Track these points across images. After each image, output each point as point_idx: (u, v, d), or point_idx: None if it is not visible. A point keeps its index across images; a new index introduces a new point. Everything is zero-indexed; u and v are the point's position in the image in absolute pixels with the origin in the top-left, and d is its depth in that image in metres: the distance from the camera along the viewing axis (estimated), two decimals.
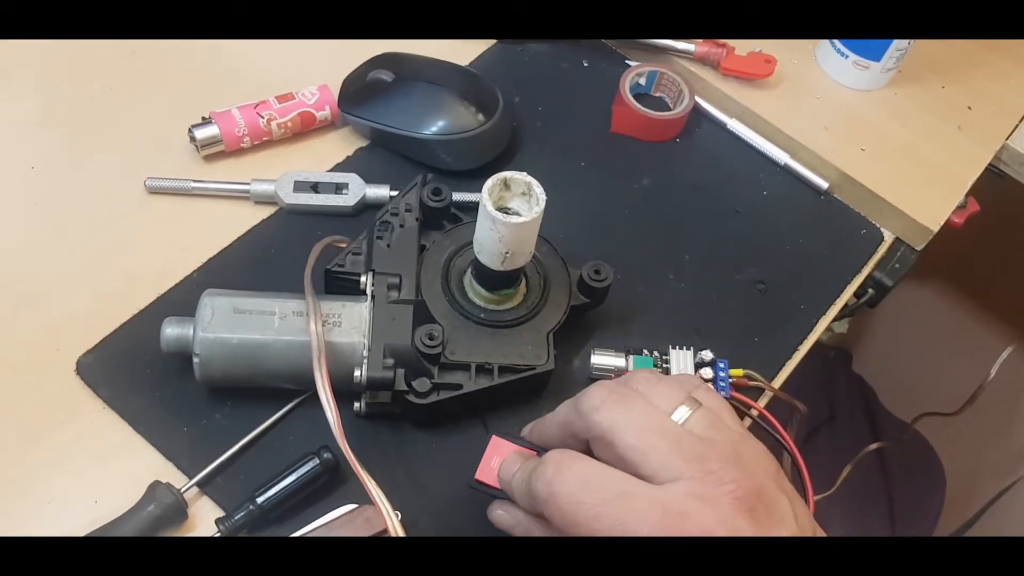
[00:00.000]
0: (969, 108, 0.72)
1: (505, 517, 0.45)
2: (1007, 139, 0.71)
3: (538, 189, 0.47)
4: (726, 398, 0.53)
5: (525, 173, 0.47)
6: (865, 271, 0.64)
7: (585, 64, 0.71)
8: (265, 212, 0.59)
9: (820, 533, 0.41)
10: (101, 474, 0.49)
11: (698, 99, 0.69)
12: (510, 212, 0.47)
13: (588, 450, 0.41)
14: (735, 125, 0.68)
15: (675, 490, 0.37)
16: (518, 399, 0.53)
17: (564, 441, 0.43)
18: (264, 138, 0.61)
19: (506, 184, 0.47)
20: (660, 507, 0.37)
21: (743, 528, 0.37)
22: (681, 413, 0.40)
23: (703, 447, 0.38)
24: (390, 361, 0.48)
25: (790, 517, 0.38)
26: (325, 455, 0.48)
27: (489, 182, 0.47)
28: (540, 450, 0.45)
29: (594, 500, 0.38)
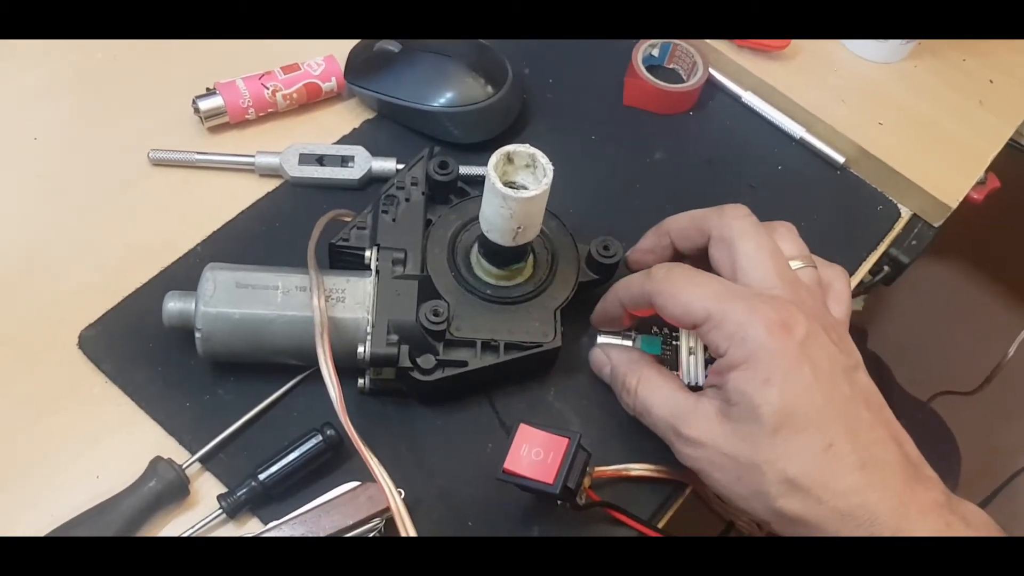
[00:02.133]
0: (991, 82, 0.70)
1: (600, 355, 0.51)
2: None
3: (545, 162, 0.46)
4: None
5: (531, 145, 0.46)
6: (881, 248, 0.63)
7: None
8: (270, 185, 0.58)
9: None
10: (103, 449, 0.48)
11: (712, 71, 0.67)
12: (517, 186, 0.46)
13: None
14: (750, 98, 0.67)
15: (762, 299, 0.43)
16: (525, 377, 0.52)
17: (687, 231, 0.50)
18: (269, 110, 0.61)
19: (512, 157, 0.46)
20: (757, 296, 0.43)
21: (820, 334, 0.43)
22: (795, 263, 0.47)
23: (799, 286, 0.45)
24: (394, 337, 0.48)
25: (860, 362, 0.45)
26: (328, 432, 0.47)
27: (495, 155, 0.45)
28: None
29: (712, 284, 0.44)
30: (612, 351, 0.51)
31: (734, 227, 0.46)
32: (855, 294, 0.62)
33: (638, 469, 0.49)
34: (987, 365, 0.88)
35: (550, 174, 0.45)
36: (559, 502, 0.44)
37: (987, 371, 0.88)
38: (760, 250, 0.45)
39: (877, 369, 1.25)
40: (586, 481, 0.45)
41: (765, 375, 0.41)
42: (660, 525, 0.50)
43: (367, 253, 0.51)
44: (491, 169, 0.45)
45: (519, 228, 0.47)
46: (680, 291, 0.45)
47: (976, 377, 0.89)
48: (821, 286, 0.47)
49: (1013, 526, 0.42)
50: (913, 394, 1.19)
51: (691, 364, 0.51)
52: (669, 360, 0.52)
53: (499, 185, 0.45)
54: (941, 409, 1.12)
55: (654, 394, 0.47)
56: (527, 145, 0.46)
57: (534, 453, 0.44)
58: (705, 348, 0.53)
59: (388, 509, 0.44)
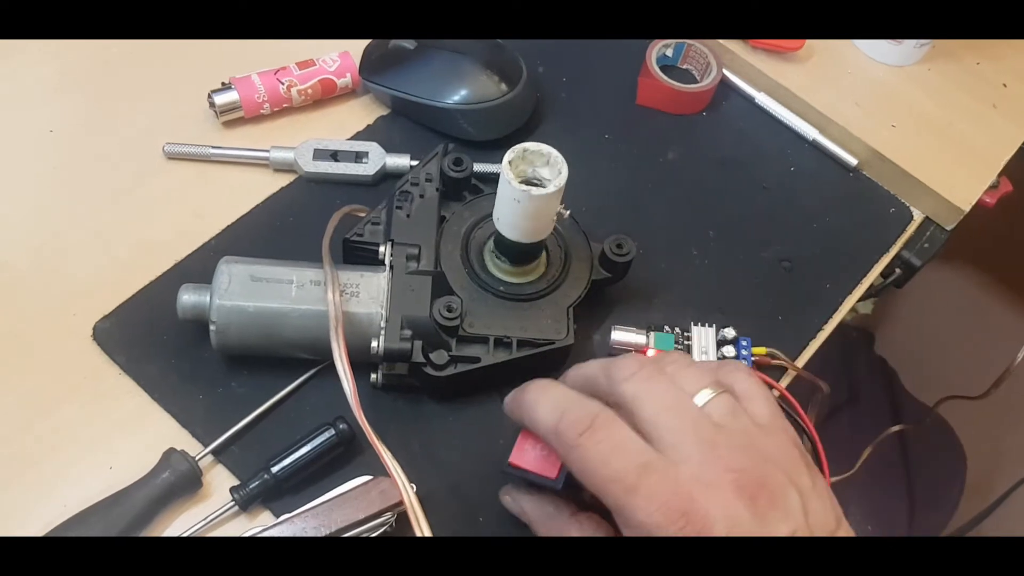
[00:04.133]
0: (1004, 85, 0.70)
1: (512, 505, 0.46)
2: None
3: (560, 160, 0.46)
4: None
5: (547, 144, 0.46)
6: (893, 250, 0.63)
7: None
8: (284, 180, 0.59)
9: (842, 528, 0.40)
10: (116, 440, 0.48)
11: (726, 72, 0.67)
12: (531, 184, 0.46)
13: None
14: (763, 99, 0.67)
15: (685, 471, 0.38)
16: (537, 374, 0.51)
17: (586, 391, 0.43)
18: (284, 105, 0.61)
19: (527, 155, 0.46)
20: (671, 485, 0.37)
21: (742, 516, 0.37)
22: (703, 396, 0.41)
23: (715, 433, 0.39)
24: (408, 332, 0.48)
25: (797, 511, 0.38)
26: (341, 426, 0.47)
27: (510, 152, 0.46)
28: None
29: (618, 466, 0.38)
30: (523, 497, 0.46)
31: (626, 393, 0.40)
32: (866, 297, 0.63)
33: None
34: (995, 370, 0.87)
35: (565, 172, 0.46)
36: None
37: (995, 376, 0.88)
38: (660, 413, 0.39)
39: (884, 373, 1.24)
40: None
41: None
42: None
43: (381, 249, 0.51)
44: (506, 166, 0.45)
45: (528, 225, 0.47)
46: (593, 470, 0.39)
47: (984, 382, 0.89)
48: (739, 399, 0.41)
49: (1019, 533, 0.42)
50: (920, 398, 1.19)
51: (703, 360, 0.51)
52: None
53: (514, 182, 0.45)
54: (948, 413, 1.12)
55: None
56: (542, 143, 0.46)
57: (539, 448, 0.44)
58: (719, 345, 0.53)
59: (400, 504, 0.45)
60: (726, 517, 0.37)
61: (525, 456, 0.44)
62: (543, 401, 0.42)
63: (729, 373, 0.43)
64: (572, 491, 0.44)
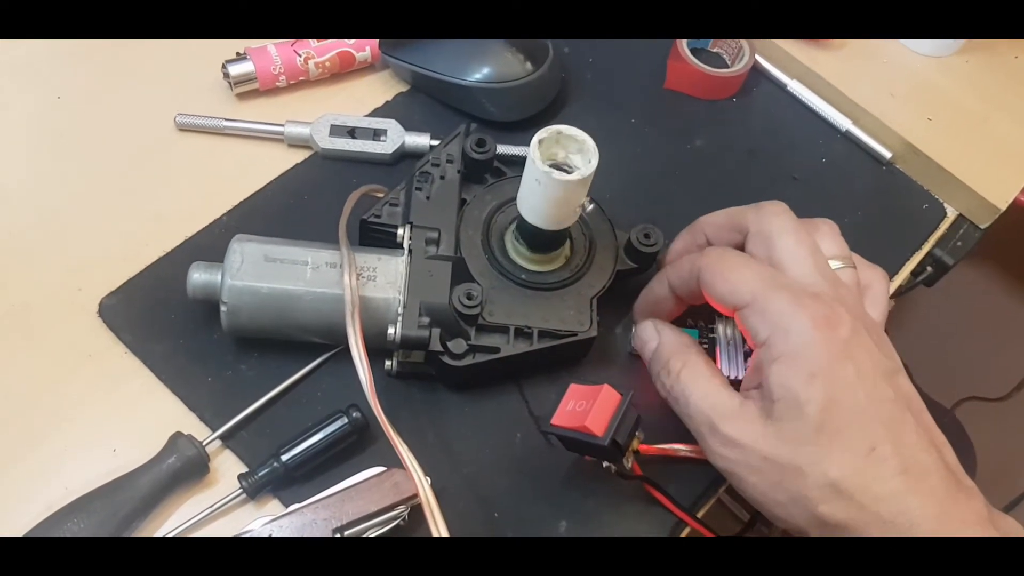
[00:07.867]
0: None
1: (650, 329, 0.48)
2: None
3: (591, 145, 0.44)
4: None
5: (578, 128, 0.44)
6: (925, 248, 0.61)
7: None
8: (299, 156, 0.57)
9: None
10: (120, 422, 0.47)
11: (758, 57, 0.65)
12: (559, 168, 0.44)
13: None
14: (795, 87, 0.65)
15: (808, 294, 0.42)
16: (557, 366, 0.50)
17: (723, 230, 0.48)
18: (300, 78, 0.59)
19: (559, 137, 0.44)
20: (791, 295, 0.41)
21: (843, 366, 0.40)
22: (835, 263, 0.45)
23: (837, 288, 0.43)
24: (426, 319, 0.46)
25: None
26: (354, 414, 0.45)
27: (539, 134, 0.44)
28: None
29: (747, 274, 0.43)
30: (665, 329, 0.48)
31: (773, 223, 0.45)
32: (897, 294, 0.61)
33: (686, 450, 0.48)
34: (1018, 373, 0.86)
35: (595, 158, 0.44)
36: (604, 464, 0.44)
37: (1017, 379, 0.86)
38: (800, 246, 0.44)
39: None
40: (634, 443, 0.43)
41: (810, 369, 0.40)
42: (699, 515, 0.49)
43: (399, 231, 0.49)
44: (534, 146, 0.43)
45: (554, 211, 0.45)
46: (729, 271, 0.43)
47: (1005, 384, 0.87)
48: (860, 287, 0.46)
49: None
50: (940, 399, 1.17)
51: (729, 355, 0.49)
52: (706, 352, 0.50)
53: (539, 163, 0.43)
54: (966, 415, 1.11)
55: (697, 383, 0.44)
56: (572, 127, 0.44)
57: (580, 406, 0.42)
58: (743, 341, 0.51)
59: (415, 497, 0.43)
60: (852, 326, 0.40)
61: (568, 417, 0.43)
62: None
63: (868, 268, 0.47)
64: (616, 454, 0.43)
